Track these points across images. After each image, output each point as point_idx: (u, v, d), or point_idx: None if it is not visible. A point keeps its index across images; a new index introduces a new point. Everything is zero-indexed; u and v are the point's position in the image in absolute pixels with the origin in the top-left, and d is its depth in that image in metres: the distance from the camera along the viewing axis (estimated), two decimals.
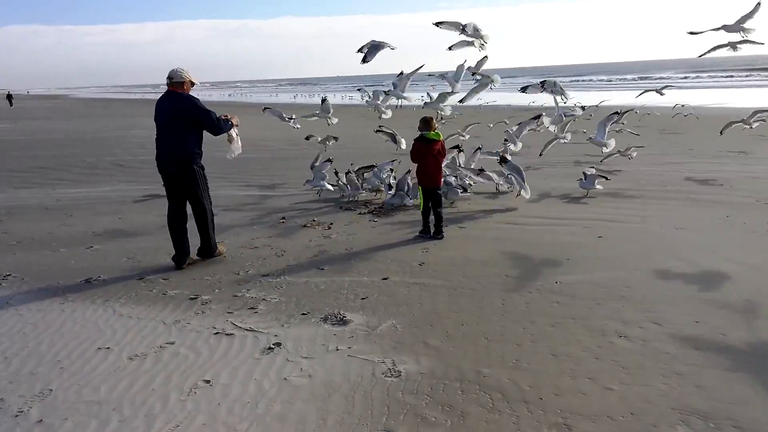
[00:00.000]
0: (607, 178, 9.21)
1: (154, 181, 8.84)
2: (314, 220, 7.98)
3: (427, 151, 7.07)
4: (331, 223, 7.79)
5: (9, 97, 60.51)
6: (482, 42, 8.20)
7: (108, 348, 4.23)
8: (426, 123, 7.22)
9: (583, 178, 9.21)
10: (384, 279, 5.55)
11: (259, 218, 8.31)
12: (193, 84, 6.08)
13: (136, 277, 5.78)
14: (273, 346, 4.18)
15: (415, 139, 7.22)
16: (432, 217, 7.10)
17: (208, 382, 3.72)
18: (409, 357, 3.98)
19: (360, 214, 8.36)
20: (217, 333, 4.43)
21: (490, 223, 7.68)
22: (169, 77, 5.92)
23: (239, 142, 6.68)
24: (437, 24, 8.14)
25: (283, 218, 8.20)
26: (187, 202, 6.09)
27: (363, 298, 5.07)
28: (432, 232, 7.07)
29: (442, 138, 7.26)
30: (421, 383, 3.63)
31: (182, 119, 5.81)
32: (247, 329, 4.48)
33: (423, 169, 7.14)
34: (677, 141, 15.29)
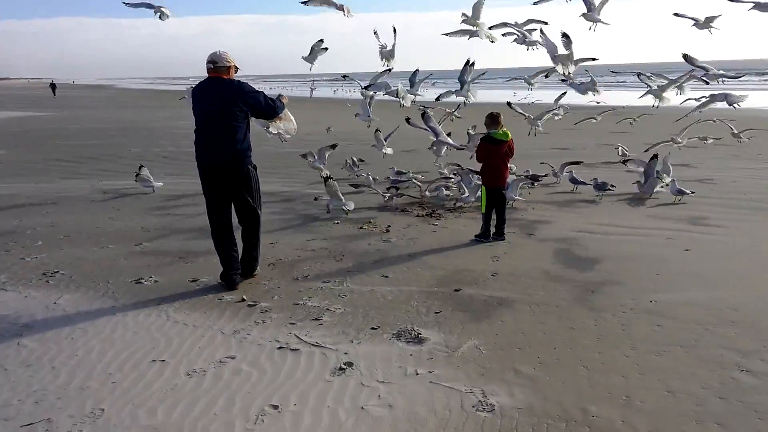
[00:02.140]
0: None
1: None
2: (370, 222, 7.52)
3: (495, 152, 6.62)
4: (389, 226, 7.31)
5: (52, 86, 61.78)
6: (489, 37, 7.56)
7: (163, 360, 3.86)
8: (493, 119, 6.71)
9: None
10: (456, 291, 5.05)
11: (311, 218, 7.89)
12: (236, 69, 5.18)
13: (188, 279, 5.42)
14: (344, 366, 3.73)
15: (481, 139, 6.87)
16: (494, 219, 6.70)
17: (276, 407, 3.30)
18: (500, 387, 3.49)
19: (417, 216, 7.87)
20: (281, 347, 4.01)
21: (560, 230, 7.09)
22: (212, 61, 5.01)
23: (293, 122, 5.91)
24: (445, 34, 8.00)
25: (337, 220, 7.77)
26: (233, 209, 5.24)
27: (437, 312, 4.59)
28: (492, 234, 6.64)
29: (510, 138, 6.74)
30: (520, 421, 3.14)
31: (232, 109, 4.96)
32: (313, 344, 4.05)
33: (490, 170, 6.68)
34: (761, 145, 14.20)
